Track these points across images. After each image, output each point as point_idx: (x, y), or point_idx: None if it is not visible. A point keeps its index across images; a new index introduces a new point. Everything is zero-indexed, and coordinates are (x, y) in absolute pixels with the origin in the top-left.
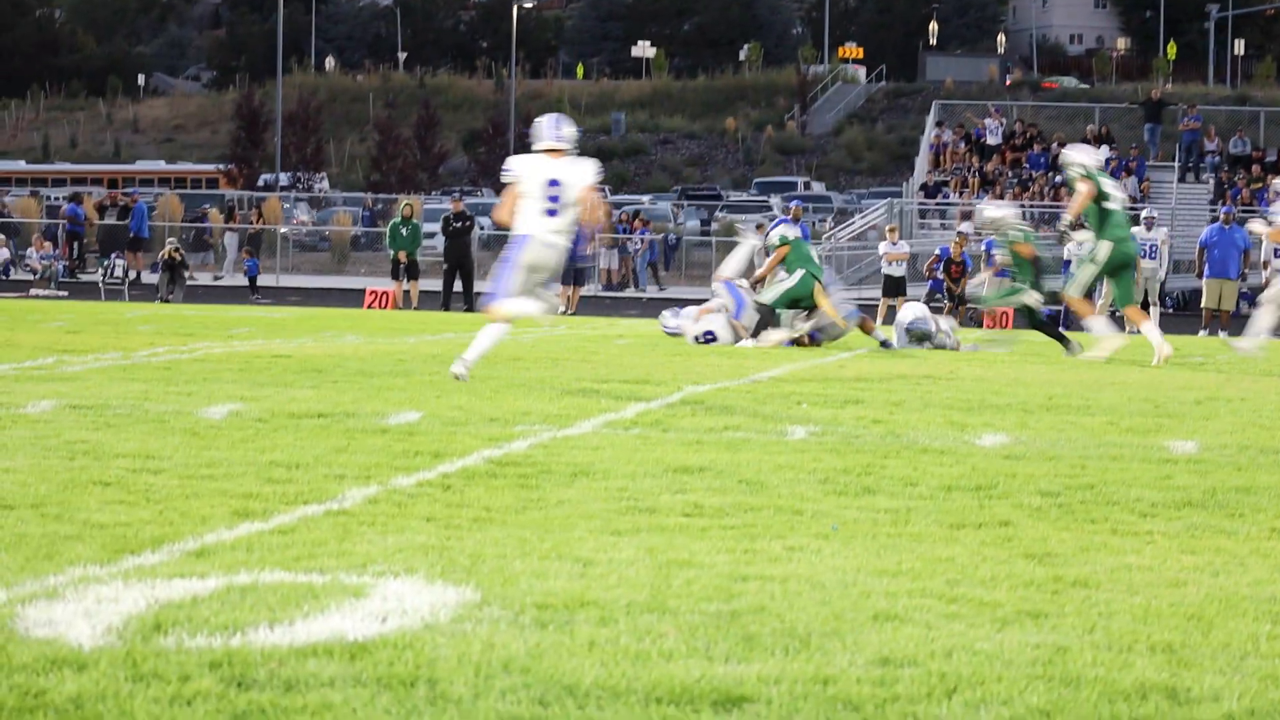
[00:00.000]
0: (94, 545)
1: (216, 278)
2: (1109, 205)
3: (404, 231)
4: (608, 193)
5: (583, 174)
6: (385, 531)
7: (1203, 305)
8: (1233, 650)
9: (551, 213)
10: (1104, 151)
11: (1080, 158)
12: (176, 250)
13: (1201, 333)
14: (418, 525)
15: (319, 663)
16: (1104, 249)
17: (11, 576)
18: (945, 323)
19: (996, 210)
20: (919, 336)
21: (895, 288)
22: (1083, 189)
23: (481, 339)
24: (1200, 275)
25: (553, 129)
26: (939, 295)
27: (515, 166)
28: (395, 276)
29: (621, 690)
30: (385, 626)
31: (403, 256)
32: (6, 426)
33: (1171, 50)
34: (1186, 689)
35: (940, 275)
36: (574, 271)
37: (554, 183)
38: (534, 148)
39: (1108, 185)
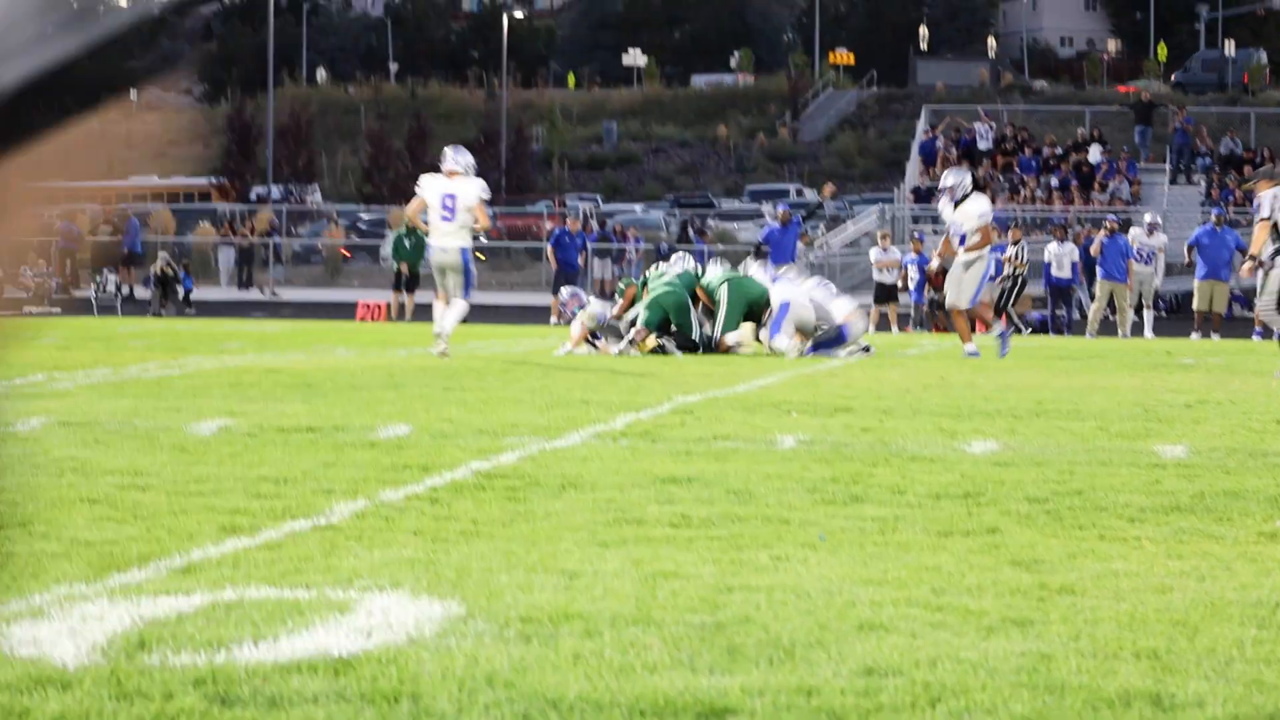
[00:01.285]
0: (80, 563)
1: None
2: None
3: (408, 243)
4: (598, 202)
5: (470, 191)
6: (372, 546)
7: (1194, 308)
8: (1218, 656)
9: (446, 219)
10: (1095, 152)
11: None
12: (169, 265)
13: (1194, 335)
14: (404, 539)
15: (303, 679)
16: None
17: None
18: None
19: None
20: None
21: (887, 295)
22: None
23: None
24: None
25: (453, 156)
26: (923, 306)
27: (423, 182)
28: (397, 287)
29: (605, 703)
30: (370, 642)
31: (405, 268)
32: None
33: (1162, 52)
34: (1171, 695)
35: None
36: (564, 280)
37: (449, 196)
38: (442, 169)
39: None
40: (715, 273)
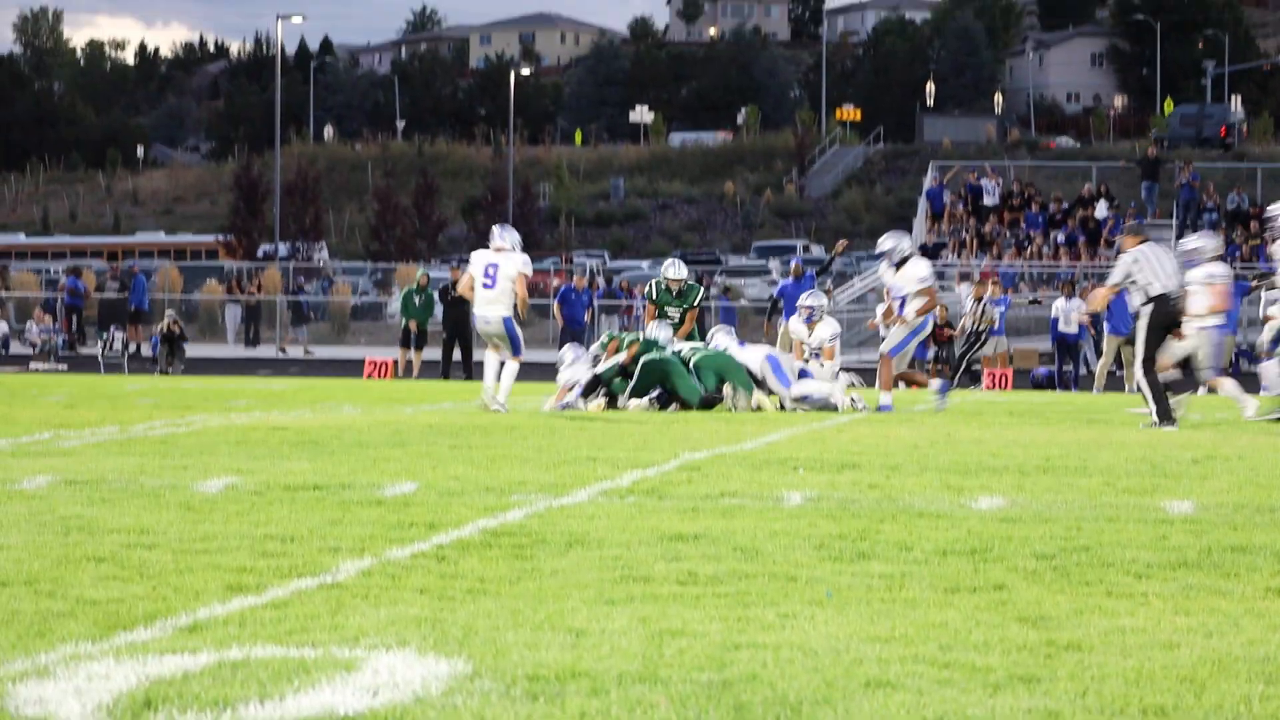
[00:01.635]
0: (86, 622)
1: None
2: None
3: (417, 300)
4: (605, 259)
5: (512, 262)
6: (378, 604)
7: None
8: (1225, 712)
9: (486, 286)
10: (1102, 208)
11: None
12: (175, 322)
13: (1200, 390)
14: (411, 597)
15: None
16: None
17: (2, 654)
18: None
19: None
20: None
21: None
22: None
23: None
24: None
25: (499, 233)
26: (927, 363)
27: (472, 257)
28: (405, 344)
29: None
30: (376, 700)
31: (413, 325)
32: (2, 503)
33: (1169, 107)
34: None
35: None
36: (571, 337)
37: (492, 265)
38: (490, 245)
39: None
40: (684, 346)
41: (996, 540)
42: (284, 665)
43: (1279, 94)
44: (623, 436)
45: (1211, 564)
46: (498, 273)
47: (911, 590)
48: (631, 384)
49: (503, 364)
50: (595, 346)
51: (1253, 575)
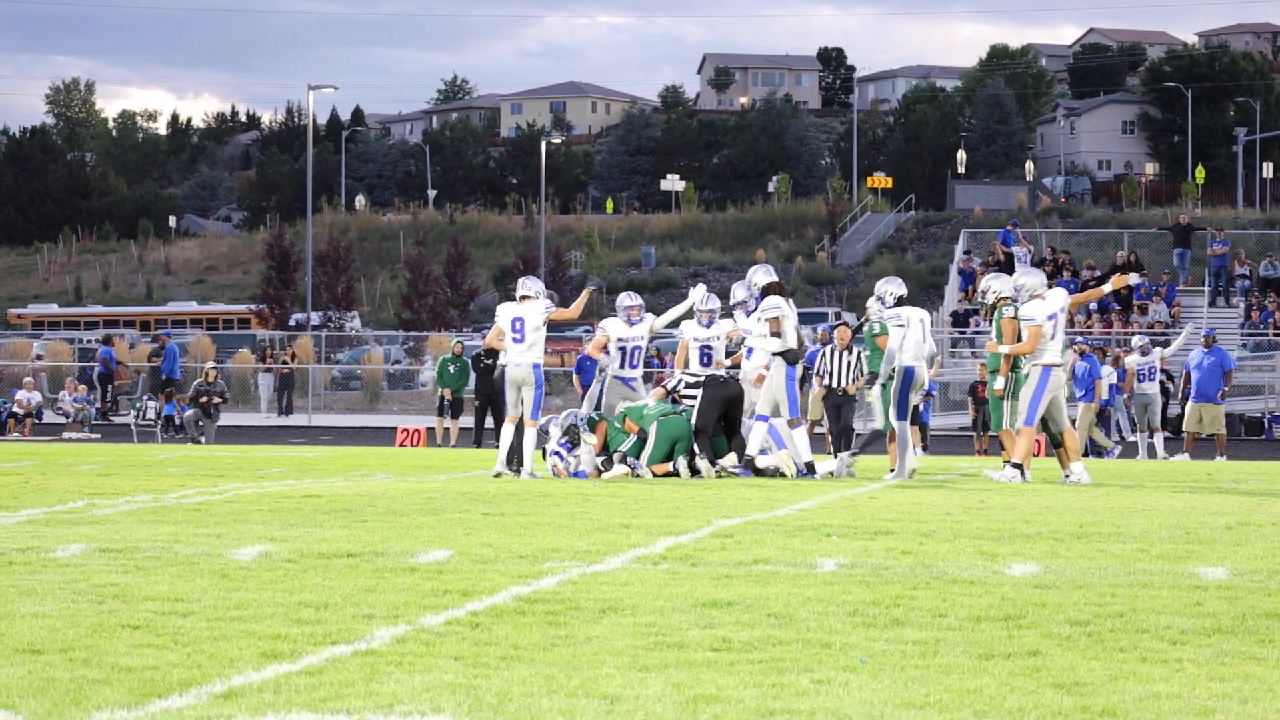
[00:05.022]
0: (121, 689)
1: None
2: None
3: (452, 369)
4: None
5: (535, 312)
6: (413, 671)
7: (1184, 429)
8: None
9: (516, 340)
10: (1134, 277)
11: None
12: (216, 375)
13: (1182, 455)
14: (445, 664)
15: None
16: None
17: None
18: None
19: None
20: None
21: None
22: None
23: (503, 441)
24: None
25: (523, 283)
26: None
27: (499, 310)
28: (441, 413)
29: None
30: None
31: (449, 394)
32: (36, 571)
33: (1200, 174)
34: None
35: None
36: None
37: (518, 320)
38: (517, 295)
39: None
40: (650, 407)
41: (1030, 607)
42: None
43: None
44: (655, 503)
45: (1246, 630)
46: (524, 326)
47: (946, 657)
48: (650, 450)
49: (516, 433)
50: (557, 426)
51: None
